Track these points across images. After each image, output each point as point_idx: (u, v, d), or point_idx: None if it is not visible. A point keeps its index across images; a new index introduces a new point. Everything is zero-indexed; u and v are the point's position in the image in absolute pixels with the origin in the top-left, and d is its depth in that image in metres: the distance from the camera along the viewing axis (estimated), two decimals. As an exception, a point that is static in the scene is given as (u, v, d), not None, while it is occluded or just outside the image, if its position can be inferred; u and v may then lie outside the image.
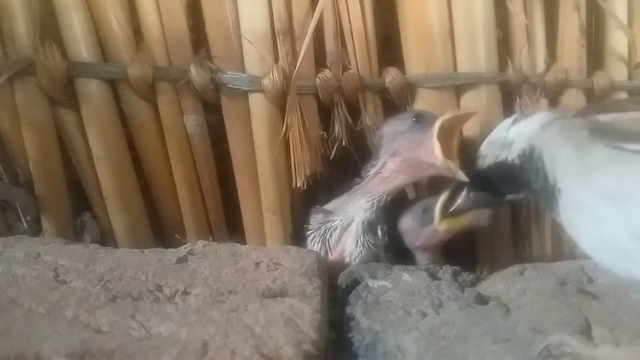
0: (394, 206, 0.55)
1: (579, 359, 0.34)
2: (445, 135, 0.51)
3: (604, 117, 0.40)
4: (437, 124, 0.50)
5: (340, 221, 0.54)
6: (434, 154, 0.50)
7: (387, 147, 0.54)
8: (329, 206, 0.56)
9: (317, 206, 0.56)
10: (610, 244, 0.37)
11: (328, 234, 0.54)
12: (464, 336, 0.37)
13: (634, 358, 0.34)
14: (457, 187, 0.53)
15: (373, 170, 0.54)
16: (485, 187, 0.51)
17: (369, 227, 0.53)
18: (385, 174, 0.53)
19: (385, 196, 0.53)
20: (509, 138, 0.48)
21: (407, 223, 0.55)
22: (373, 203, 0.53)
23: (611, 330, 0.37)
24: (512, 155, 0.47)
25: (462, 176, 0.50)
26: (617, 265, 0.38)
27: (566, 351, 0.34)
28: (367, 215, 0.53)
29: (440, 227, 0.53)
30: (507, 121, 0.50)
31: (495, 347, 0.35)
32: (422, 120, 0.52)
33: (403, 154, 0.52)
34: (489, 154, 0.50)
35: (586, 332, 0.37)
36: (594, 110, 0.42)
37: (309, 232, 0.55)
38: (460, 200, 0.52)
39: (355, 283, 0.46)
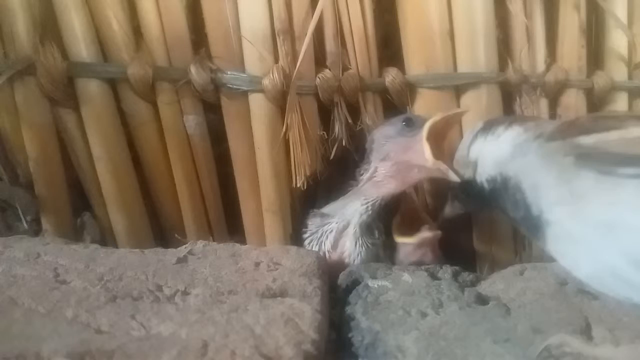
0: (392, 206, 0.55)
1: (579, 358, 0.34)
2: (436, 137, 0.50)
3: (586, 140, 0.38)
4: (427, 126, 0.50)
5: (337, 224, 0.54)
6: (423, 156, 0.49)
7: (378, 151, 0.54)
8: (325, 210, 0.56)
9: (314, 210, 0.57)
10: (608, 272, 0.35)
11: (325, 237, 0.54)
12: (464, 336, 0.37)
13: (634, 358, 0.34)
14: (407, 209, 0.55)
15: (366, 175, 0.54)
16: (463, 197, 0.51)
17: (366, 228, 0.53)
18: (378, 178, 0.53)
19: (379, 200, 0.53)
20: (471, 156, 0.48)
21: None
22: (368, 206, 0.53)
23: (611, 330, 0.37)
24: (479, 177, 0.47)
25: (453, 177, 0.49)
26: (617, 291, 0.37)
27: (566, 351, 0.34)
28: (363, 218, 0.53)
29: (402, 240, 0.53)
30: (467, 138, 0.49)
31: (495, 347, 0.35)
32: (411, 123, 0.52)
33: (393, 157, 0.52)
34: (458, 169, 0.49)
35: (586, 332, 0.37)
36: (574, 132, 0.40)
37: (307, 235, 0.55)
38: (446, 208, 0.52)
39: (355, 283, 0.46)
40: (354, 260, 0.53)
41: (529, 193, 0.41)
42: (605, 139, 0.38)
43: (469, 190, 0.49)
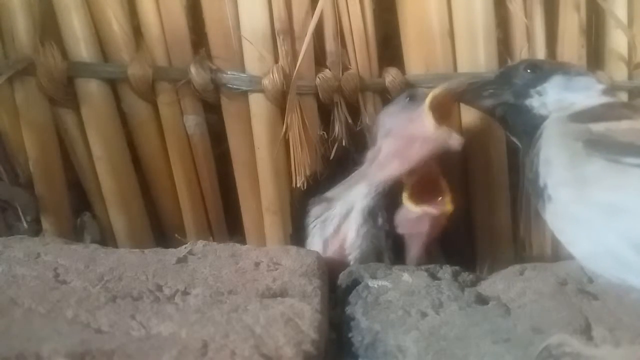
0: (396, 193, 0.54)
1: (579, 359, 0.34)
2: (439, 114, 0.50)
3: (596, 127, 0.39)
4: (429, 97, 0.49)
5: (340, 207, 0.53)
6: (425, 124, 0.49)
7: (382, 130, 0.53)
8: (329, 194, 0.55)
9: (317, 195, 0.56)
10: (607, 255, 0.36)
11: (328, 222, 0.53)
12: (464, 336, 0.37)
13: (634, 358, 0.34)
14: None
15: (370, 156, 0.54)
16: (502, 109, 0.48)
17: (369, 214, 0.52)
18: (381, 159, 0.52)
19: (383, 184, 0.52)
20: (564, 101, 0.45)
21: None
22: (371, 190, 0.52)
23: (611, 330, 0.37)
24: (548, 123, 0.44)
25: (456, 140, 0.48)
26: (614, 274, 0.38)
27: (566, 351, 0.34)
28: (366, 201, 0.52)
29: (407, 205, 0.50)
30: (590, 81, 0.46)
31: (495, 347, 0.35)
32: (414, 98, 0.52)
33: (396, 132, 0.52)
34: (538, 96, 0.46)
35: (586, 332, 0.37)
36: (588, 117, 0.41)
37: (312, 220, 0.55)
38: (475, 91, 0.50)
39: (355, 283, 0.46)
40: (355, 249, 0.52)
41: (542, 163, 0.42)
42: (615, 128, 0.38)
43: (528, 120, 0.46)
